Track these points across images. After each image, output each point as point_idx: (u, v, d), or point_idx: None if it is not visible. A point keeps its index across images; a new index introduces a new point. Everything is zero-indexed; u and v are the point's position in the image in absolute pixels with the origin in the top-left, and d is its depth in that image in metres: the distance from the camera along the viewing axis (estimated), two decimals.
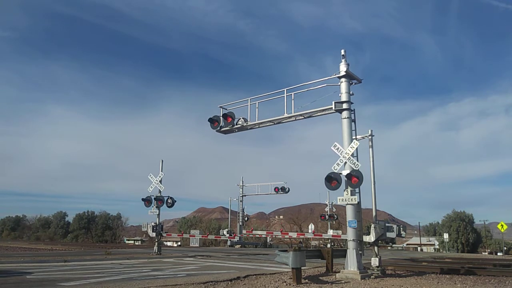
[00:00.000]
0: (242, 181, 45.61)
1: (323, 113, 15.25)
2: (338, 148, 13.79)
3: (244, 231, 44.15)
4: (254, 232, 43.66)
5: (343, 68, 14.49)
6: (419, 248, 72.52)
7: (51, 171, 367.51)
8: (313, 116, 15.77)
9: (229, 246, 44.65)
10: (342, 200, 13.65)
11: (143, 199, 26.25)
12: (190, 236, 50.12)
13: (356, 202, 13.43)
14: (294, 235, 37.05)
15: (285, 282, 11.31)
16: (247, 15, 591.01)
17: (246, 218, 47.93)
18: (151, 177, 26.22)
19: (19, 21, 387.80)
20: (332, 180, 13.48)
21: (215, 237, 42.52)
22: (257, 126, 17.61)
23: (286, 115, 16.01)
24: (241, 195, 45.81)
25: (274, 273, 13.62)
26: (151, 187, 26.11)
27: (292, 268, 11.33)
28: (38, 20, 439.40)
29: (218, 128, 18.24)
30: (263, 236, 50.25)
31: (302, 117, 16.02)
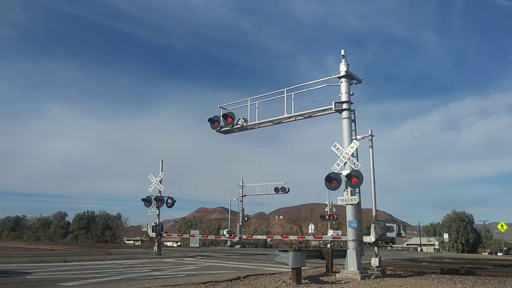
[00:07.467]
0: (242, 181, 45.64)
1: (323, 113, 15.26)
2: (338, 148, 13.80)
3: (244, 237, 44.30)
4: (254, 237, 43.88)
5: (343, 68, 14.50)
6: (419, 248, 72.48)
7: (51, 171, 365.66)
8: (313, 116, 15.77)
9: (229, 246, 44.69)
10: (342, 200, 13.66)
11: (143, 199, 26.29)
12: (190, 236, 50.16)
13: (356, 202, 13.44)
14: (294, 238, 37.46)
15: (285, 282, 11.31)
16: (248, 13, 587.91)
17: (246, 218, 48.00)
18: (151, 177, 26.27)
19: (18, 19, 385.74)
20: (332, 180, 13.49)
21: (215, 237, 42.51)
22: (257, 126, 17.63)
23: (286, 115, 16.02)
24: (241, 195, 45.83)
25: (274, 273, 13.62)
26: (151, 187, 26.16)
27: (292, 268, 11.33)
28: (38, 18, 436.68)
29: (218, 128, 18.24)
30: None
31: (302, 117, 16.02)
